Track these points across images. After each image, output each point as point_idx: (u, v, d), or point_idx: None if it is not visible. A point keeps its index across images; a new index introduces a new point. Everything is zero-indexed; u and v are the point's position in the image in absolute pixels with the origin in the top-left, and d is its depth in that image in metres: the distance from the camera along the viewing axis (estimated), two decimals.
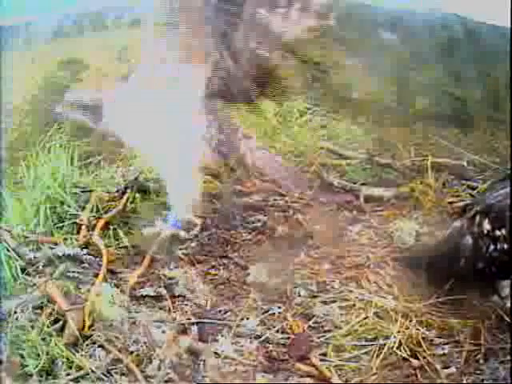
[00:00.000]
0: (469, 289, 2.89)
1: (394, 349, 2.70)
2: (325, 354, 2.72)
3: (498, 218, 2.70)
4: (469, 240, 2.80)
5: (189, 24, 3.03)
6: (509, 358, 2.62)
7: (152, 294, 3.03)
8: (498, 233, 2.69)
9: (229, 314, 2.97)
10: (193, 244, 3.48)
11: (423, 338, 2.74)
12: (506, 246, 2.66)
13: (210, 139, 3.39)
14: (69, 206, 3.60)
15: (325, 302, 3.03)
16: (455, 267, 2.85)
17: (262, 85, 3.42)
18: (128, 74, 3.56)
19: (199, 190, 3.56)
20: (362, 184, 4.08)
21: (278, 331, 2.84)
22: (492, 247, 2.71)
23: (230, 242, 3.54)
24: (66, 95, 3.40)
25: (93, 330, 2.70)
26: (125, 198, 3.75)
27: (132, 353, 2.62)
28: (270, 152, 3.90)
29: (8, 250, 3.10)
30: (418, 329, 2.79)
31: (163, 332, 2.76)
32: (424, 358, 2.65)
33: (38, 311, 2.80)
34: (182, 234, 3.51)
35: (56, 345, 2.59)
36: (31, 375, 2.49)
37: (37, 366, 2.51)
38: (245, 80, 3.32)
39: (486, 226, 2.73)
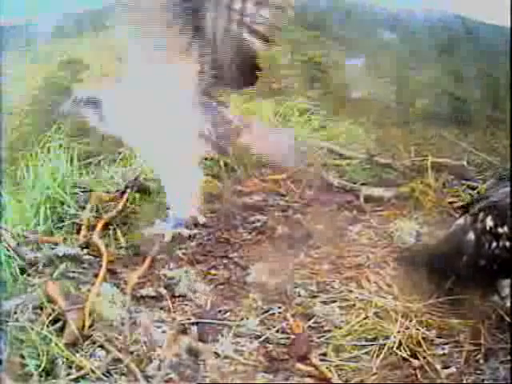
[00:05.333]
0: (469, 288, 2.89)
1: (394, 349, 2.70)
2: (325, 354, 2.71)
3: (500, 216, 2.72)
4: (471, 236, 2.81)
5: (161, 23, 3.00)
6: (509, 357, 2.62)
7: (152, 294, 3.03)
8: (500, 230, 2.71)
9: (229, 314, 2.97)
10: (193, 244, 3.49)
11: (423, 338, 2.74)
12: (507, 244, 2.68)
13: (209, 135, 3.35)
14: (69, 206, 3.60)
15: (325, 302, 3.02)
16: (457, 265, 2.85)
17: (248, 72, 3.36)
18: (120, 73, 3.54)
19: (199, 189, 3.55)
20: (362, 184, 4.08)
21: (278, 331, 2.83)
22: (494, 244, 2.72)
23: (230, 241, 3.53)
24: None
25: (93, 330, 2.70)
26: (125, 197, 3.75)
27: (132, 353, 2.62)
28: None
29: (8, 250, 3.10)
30: (418, 329, 2.79)
31: (163, 332, 2.76)
32: (424, 358, 2.65)
33: (38, 311, 2.79)
34: (185, 232, 3.51)
35: (56, 345, 2.59)
36: (31, 375, 2.49)
37: (37, 366, 2.51)
38: (232, 67, 3.27)
39: (489, 222, 2.75)
